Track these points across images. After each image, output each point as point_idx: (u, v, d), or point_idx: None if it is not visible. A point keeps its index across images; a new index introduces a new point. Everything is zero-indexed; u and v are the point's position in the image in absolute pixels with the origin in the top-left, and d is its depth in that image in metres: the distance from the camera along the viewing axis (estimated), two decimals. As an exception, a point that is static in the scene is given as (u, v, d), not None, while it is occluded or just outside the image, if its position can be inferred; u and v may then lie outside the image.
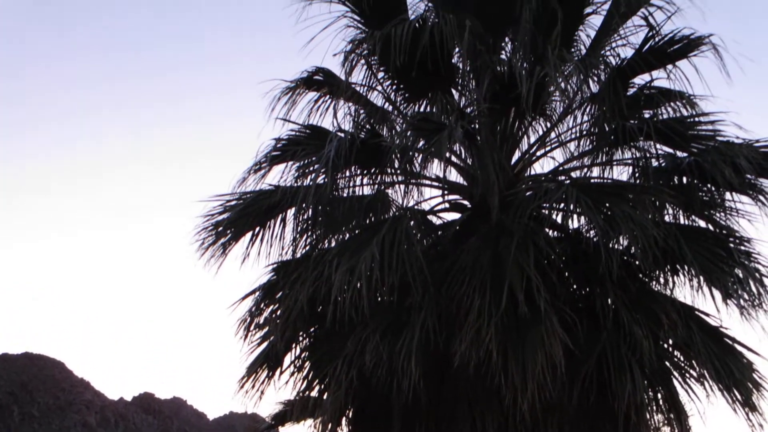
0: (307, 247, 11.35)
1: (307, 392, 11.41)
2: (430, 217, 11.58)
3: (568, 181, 10.94)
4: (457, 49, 11.05)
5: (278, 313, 11.09)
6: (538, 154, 11.65)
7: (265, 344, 11.51)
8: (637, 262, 10.35)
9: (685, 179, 10.83)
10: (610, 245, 10.04)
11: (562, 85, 10.72)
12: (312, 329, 11.38)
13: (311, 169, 10.95)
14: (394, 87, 11.77)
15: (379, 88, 11.78)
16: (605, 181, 11.21)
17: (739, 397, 10.18)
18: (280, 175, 11.25)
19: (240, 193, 11.57)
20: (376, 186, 11.45)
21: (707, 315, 10.67)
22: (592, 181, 11.23)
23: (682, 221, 10.91)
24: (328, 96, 11.96)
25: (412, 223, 10.58)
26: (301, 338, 11.45)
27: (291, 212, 11.32)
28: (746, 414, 10.20)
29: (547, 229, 10.88)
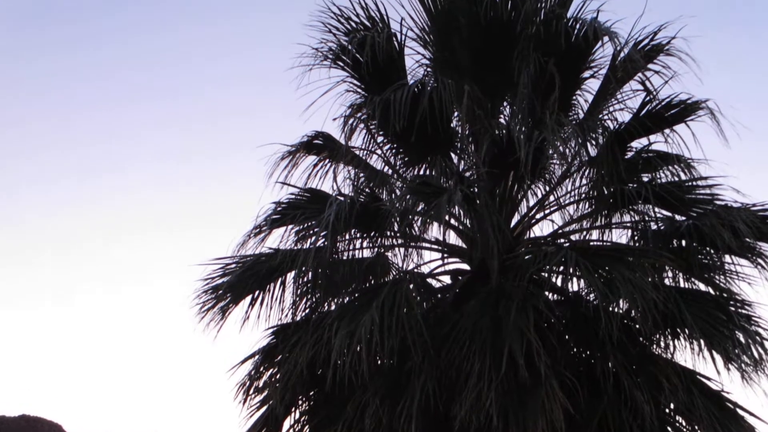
0: (307, 311, 11.36)
1: (307, 458, 11.36)
2: (429, 280, 11.58)
3: (567, 244, 10.98)
4: (455, 114, 11.16)
5: (278, 376, 11.04)
6: (537, 217, 11.70)
7: (264, 408, 11.41)
8: (637, 326, 10.34)
9: (684, 242, 10.85)
10: (610, 308, 10.06)
11: (561, 149, 10.79)
12: (311, 393, 11.32)
13: (311, 232, 10.99)
14: (394, 151, 11.85)
15: (379, 151, 11.87)
16: (604, 244, 11.25)
17: (741, 463, 10.13)
18: (280, 238, 11.27)
19: (240, 256, 11.59)
20: (376, 249, 11.47)
21: (708, 379, 10.64)
22: (591, 244, 11.27)
23: (681, 284, 10.94)
24: (327, 160, 12.05)
25: (411, 286, 10.59)
26: (300, 402, 11.39)
27: (291, 275, 11.33)
28: (748, 479, 10.15)
29: (546, 293, 10.92)
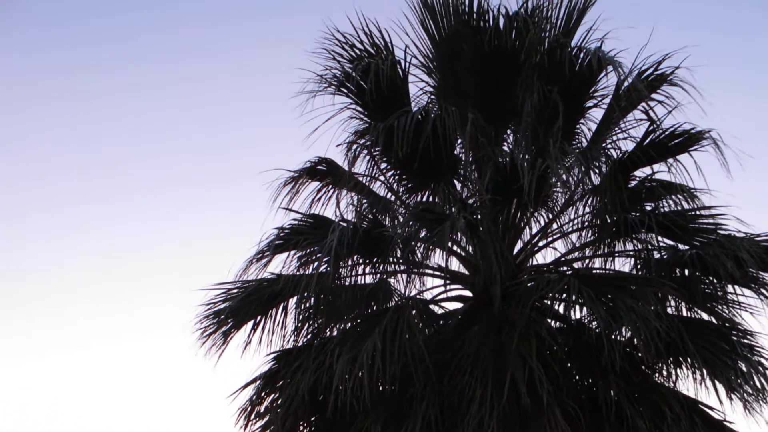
0: (309, 336, 11.35)
1: (308, 483, 11.32)
2: (432, 306, 11.58)
3: (570, 272, 11.01)
4: (459, 141, 11.18)
5: (279, 402, 11.03)
6: (540, 244, 11.71)
7: (265, 434, 11.43)
8: (639, 354, 10.30)
9: (687, 272, 10.84)
10: (613, 337, 10.03)
11: (564, 177, 10.84)
12: (313, 418, 11.29)
13: (314, 258, 11.00)
14: (397, 177, 11.86)
15: (382, 178, 11.87)
16: (607, 272, 11.25)
17: (743, 493, 10.10)
18: (283, 263, 11.30)
19: (242, 281, 11.61)
20: (378, 275, 11.48)
21: (711, 408, 10.62)
22: (594, 272, 11.27)
23: (684, 313, 10.93)
24: (331, 186, 12.07)
25: (414, 312, 10.57)
26: (302, 428, 11.33)
27: (293, 301, 11.33)
28: None
29: (549, 320, 10.91)
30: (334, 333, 11.14)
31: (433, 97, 11.99)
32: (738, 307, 10.86)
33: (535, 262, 11.75)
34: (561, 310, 11.07)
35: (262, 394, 11.37)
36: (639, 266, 11.13)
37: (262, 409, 11.35)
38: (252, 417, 11.32)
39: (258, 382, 11.45)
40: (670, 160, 10.96)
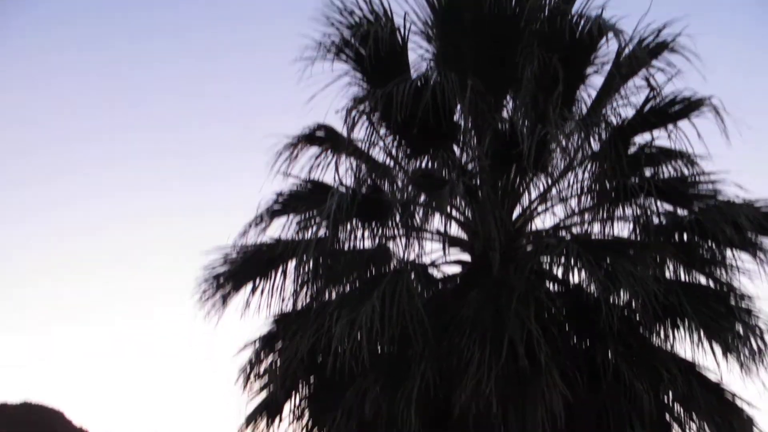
0: (308, 299, 11.34)
1: (307, 441, 11.39)
2: (431, 270, 11.60)
3: (569, 237, 11.04)
4: (458, 107, 11.20)
5: (278, 363, 11.09)
6: (539, 209, 11.72)
7: (264, 393, 11.46)
8: (637, 317, 10.39)
9: (685, 236, 10.91)
10: (611, 300, 10.07)
11: (563, 143, 10.87)
12: (312, 379, 11.36)
13: (312, 222, 11.02)
14: (396, 143, 11.85)
15: (381, 144, 11.86)
16: (606, 237, 11.27)
17: (739, 452, 10.15)
18: (281, 228, 11.29)
19: (241, 245, 11.63)
20: (377, 239, 11.49)
21: (707, 370, 10.70)
22: (593, 237, 11.31)
23: (682, 277, 10.97)
24: (329, 151, 12.06)
25: (412, 276, 10.59)
26: (300, 388, 11.43)
27: (292, 265, 11.33)
28: (746, 468, 10.17)
29: (547, 284, 10.96)
30: (333, 296, 11.16)
31: (432, 63, 11.98)
32: (736, 271, 10.87)
33: (534, 227, 11.77)
34: (560, 274, 11.07)
35: (261, 355, 11.43)
36: (638, 231, 11.13)
37: (261, 371, 11.41)
38: (251, 378, 11.39)
39: (257, 344, 11.51)
40: (670, 127, 11.00)
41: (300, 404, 11.42)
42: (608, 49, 11.45)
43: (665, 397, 10.53)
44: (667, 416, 10.59)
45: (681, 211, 11.05)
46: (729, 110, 10.68)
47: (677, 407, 10.64)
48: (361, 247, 11.37)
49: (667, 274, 10.80)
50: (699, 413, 10.16)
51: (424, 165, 11.64)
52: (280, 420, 11.43)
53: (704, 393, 10.16)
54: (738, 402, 10.56)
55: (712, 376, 10.62)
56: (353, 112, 11.46)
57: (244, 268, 11.51)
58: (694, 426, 10.41)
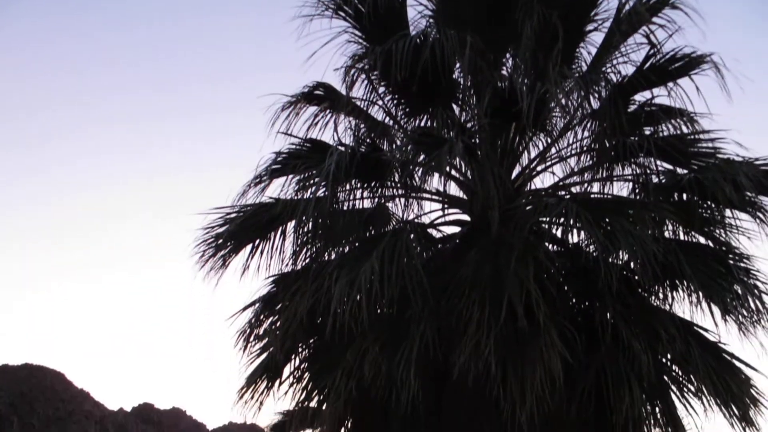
0: (307, 260, 11.35)
1: (306, 403, 11.43)
2: (430, 230, 11.62)
3: (568, 196, 11.01)
4: (457, 65, 11.12)
5: (278, 324, 11.12)
6: (539, 169, 11.71)
7: (264, 355, 11.53)
8: (636, 278, 10.40)
9: (685, 196, 10.85)
10: (610, 260, 10.08)
11: (563, 101, 10.80)
12: (311, 340, 11.42)
13: (311, 182, 10.98)
14: (395, 102, 11.84)
15: (380, 102, 11.86)
16: (605, 196, 11.24)
17: (736, 412, 10.21)
18: (281, 188, 11.26)
19: (240, 206, 11.58)
20: (377, 199, 11.48)
21: (706, 330, 10.73)
22: (592, 196, 11.29)
23: (681, 237, 10.95)
24: (328, 110, 12.00)
25: (412, 236, 10.60)
26: (300, 349, 11.49)
27: (291, 225, 11.32)
28: (743, 429, 10.24)
29: (546, 244, 10.93)
30: (332, 256, 11.16)
31: (431, 20, 11.87)
32: (735, 231, 10.85)
33: (533, 187, 11.78)
34: (559, 233, 11.08)
35: (261, 316, 11.46)
36: (637, 190, 11.10)
37: (261, 332, 11.46)
38: (251, 339, 11.43)
39: (257, 305, 11.54)
40: (670, 84, 10.89)
41: (300, 366, 11.49)
42: (608, 5, 11.44)
43: (663, 357, 10.60)
44: (665, 377, 10.66)
45: (680, 171, 11.00)
46: (730, 67, 10.58)
47: (675, 367, 10.71)
48: (360, 207, 11.37)
49: (666, 234, 10.78)
50: (697, 374, 10.19)
51: (423, 124, 11.63)
52: (280, 382, 11.50)
53: (702, 353, 10.18)
54: (736, 362, 10.60)
55: (711, 337, 10.67)
56: (352, 71, 11.43)
57: (243, 229, 11.47)
58: (692, 386, 10.49)
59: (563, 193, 11.45)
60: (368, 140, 11.55)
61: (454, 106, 11.57)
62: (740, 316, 10.15)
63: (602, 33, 11.62)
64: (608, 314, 10.23)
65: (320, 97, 11.97)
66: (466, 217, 11.64)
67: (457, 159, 11.10)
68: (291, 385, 11.48)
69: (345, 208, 11.24)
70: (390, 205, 11.53)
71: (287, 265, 11.46)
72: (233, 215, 11.62)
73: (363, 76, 11.56)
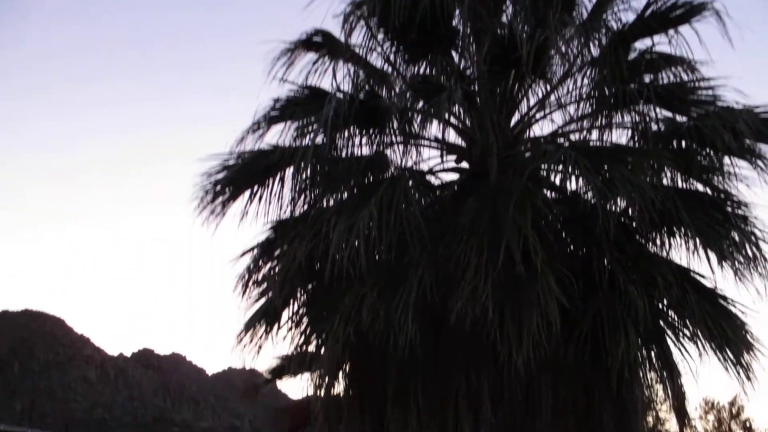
0: (306, 206, 11.37)
1: (304, 347, 11.52)
2: (428, 177, 11.62)
3: (567, 144, 10.99)
4: (457, 11, 11.08)
5: (276, 270, 11.17)
6: (538, 116, 11.70)
7: (263, 300, 11.57)
8: (634, 224, 10.44)
9: (684, 143, 10.85)
10: (608, 207, 10.11)
11: (563, 48, 10.77)
12: (310, 286, 11.46)
13: (310, 129, 10.98)
14: (394, 48, 11.78)
15: (379, 49, 11.81)
16: (604, 144, 11.25)
17: (731, 356, 10.29)
18: (279, 134, 11.28)
19: (239, 152, 11.56)
20: (375, 146, 11.46)
21: (702, 277, 10.77)
22: (591, 143, 11.29)
23: (680, 185, 10.96)
24: (327, 57, 11.95)
25: (410, 183, 10.64)
26: (299, 294, 11.52)
27: (289, 171, 11.30)
28: (738, 373, 10.32)
29: (545, 190, 10.95)
30: (331, 203, 11.15)
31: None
32: (734, 178, 10.83)
33: (532, 134, 11.78)
34: (557, 180, 11.13)
35: (260, 262, 11.51)
36: (636, 138, 11.12)
37: (259, 277, 11.50)
38: (250, 285, 11.48)
39: (255, 251, 11.58)
40: (671, 32, 10.90)
41: (298, 310, 11.54)
42: (610, -50, 11.25)
43: (660, 303, 10.66)
44: (661, 322, 10.73)
45: (680, 118, 10.99)
46: (731, 15, 10.53)
47: (671, 313, 10.78)
48: (359, 154, 11.36)
49: (665, 182, 10.77)
50: (693, 319, 10.26)
51: (422, 71, 11.58)
52: (279, 326, 11.55)
53: (698, 299, 10.24)
54: (731, 308, 10.66)
55: (707, 283, 10.71)
56: (351, 17, 11.37)
57: (242, 175, 11.46)
58: (687, 331, 10.54)
59: (562, 140, 11.44)
60: (367, 87, 11.53)
61: (454, 53, 11.53)
62: (737, 263, 10.19)
63: (604, -21, 11.52)
64: (605, 260, 10.26)
65: (318, 44, 11.93)
66: (464, 164, 11.64)
67: (456, 106, 11.11)
68: (289, 329, 11.55)
69: (343, 154, 11.22)
70: (388, 152, 11.51)
71: (285, 211, 11.45)
72: (232, 162, 11.61)
73: (362, 22, 11.52)
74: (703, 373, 10.45)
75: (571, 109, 11.58)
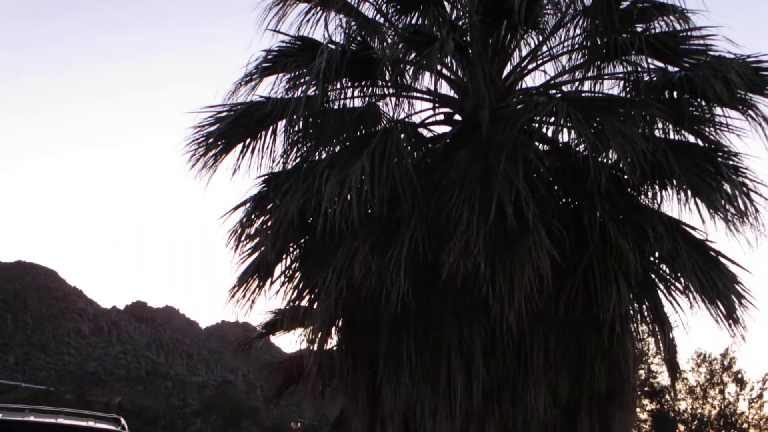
0: (298, 159, 11.31)
1: (297, 302, 11.57)
2: (420, 130, 11.56)
3: (558, 95, 10.94)
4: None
5: (269, 224, 11.12)
6: (530, 67, 11.64)
7: (255, 255, 11.59)
8: (625, 176, 10.41)
9: (675, 94, 10.78)
10: (599, 159, 10.09)
11: (555, -2, 10.66)
12: (302, 240, 11.47)
13: (302, 80, 10.90)
14: (386, -1, 11.69)
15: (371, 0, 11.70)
16: (596, 95, 11.20)
17: (722, 309, 10.33)
18: (271, 86, 11.18)
19: (230, 104, 11.44)
20: (367, 98, 11.40)
21: (693, 229, 10.78)
22: (583, 95, 11.23)
23: (671, 136, 10.91)
24: (319, 8, 11.81)
25: (402, 135, 10.58)
26: (291, 249, 11.55)
27: (282, 124, 11.23)
28: (729, 326, 10.37)
29: (536, 143, 10.92)
30: (323, 156, 11.10)
31: None
32: (725, 129, 10.80)
33: (524, 86, 11.74)
34: (549, 133, 11.10)
35: (252, 216, 11.46)
36: (628, 89, 11.06)
37: (252, 231, 11.46)
38: (242, 239, 11.44)
39: (248, 205, 11.53)
40: (663, -21, 10.76)
41: (290, 265, 11.58)
42: None
43: (651, 255, 10.68)
44: (652, 275, 10.76)
45: (671, 68, 10.92)
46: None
47: (663, 266, 10.81)
48: (351, 106, 11.28)
49: (656, 133, 10.74)
50: (684, 271, 10.27)
51: (414, 21, 11.47)
52: (272, 281, 11.58)
53: (689, 251, 10.26)
54: (722, 260, 10.69)
55: (698, 235, 10.73)
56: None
57: (233, 128, 11.34)
58: (678, 284, 10.57)
59: (554, 91, 11.38)
60: (359, 38, 11.43)
61: (446, 4, 11.43)
62: (728, 215, 10.20)
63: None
64: (597, 213, 10.25)
65: (311, -8, 11.80)
66: (456, 117, 11.59)
67: (448, 57, 11.03)
68: (282, 284, 11.60)
69: (335, 107, 11.14)
70: (381, 104, 11.45)
71: (278, 164, 11.41)
72: (224, 114, 11.49)
73: (354, -29, 11.39)
74: (694, 326, 10.52)
75: (563, 60, 11.52)
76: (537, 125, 10.84)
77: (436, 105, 11.58)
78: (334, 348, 11.45)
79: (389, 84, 11.28)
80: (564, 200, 11.00)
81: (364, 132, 11.18)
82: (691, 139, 10.98)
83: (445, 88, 11.60)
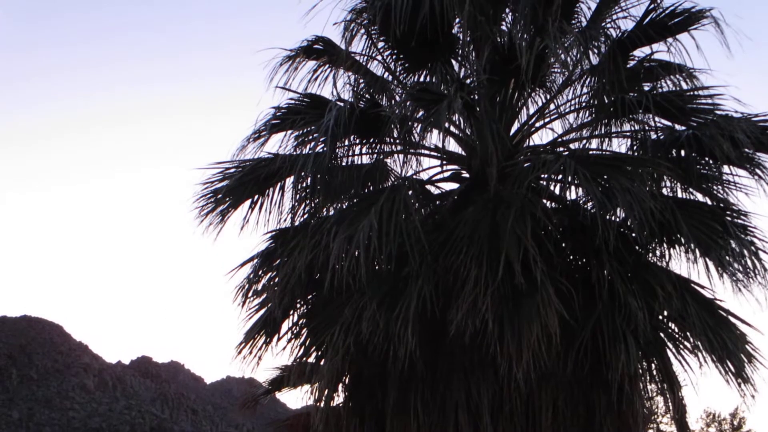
0: (306, 216, 11.39)
1: (304, 358, 11.53)
2: (428, 186, 11.61)
3: (566, 153, 10.98)
4: (457, 20, 11.09)
5: (276, 280, 11.16)
6: (537, 125, 11.69)
7: (263, 311, 11.58)
8: (633, 234, 10.41)
9: (683, 152, 10.82)
10: (607, 217, 10.11)
11: (562, 56, 10.73)
12: (310, 296, 11.47)
13: (310, 137, 10.98)
14: (394, 57, 11.82)
15: (379, 57, 11.84)
16: (603, 152, 11.23)
17: (731, 368, 10.25)
18: (280, 143, 11.26)
19: (239, 161, 11.55)
20: (375, 155, 11.48)
21: (702, 287, 10.75)
22: (591, 153, 11.25)
23: (679, 194, 10.93)
24: (327, 65, 11.96)
25: (410, 192, 10.63)
26: (298, 305, 11.55)
27: (290, 180, 11.33)
28: (738, 385, 10.30)
29: (544, 200, 10.92)
30: (331, 212, 11.18)
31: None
32: (733, 187, 10.84)
33: (531, 143, 11.78)
34: (557, 190, 11.13)
35: (260, 272, 11.50)
36: (635, 147, 11.10)
37: (259, 287, 11.50)
38: (249, 294, 11.49)
39: (255, 261, 11.57)
40: (670, 40, 10.84)
41: (298, 321, 11.57)
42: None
43: (660, 314, 10.64)
44: (661, 333, 10.72)
45: (679, 127, 10.98)
46: (730, 23, 10.52)
47: (671, 324, 10.76)
48: (359, 163, 11.37)
49: (664, 191, 10.77)
50: (693, 330, 10.22)
51: (422, 79, 11.59)
52: (278, 337, 11.58)
53: (698, 310, 10.22)
54: (732, 319, 10.64)
55: (707, 294, 10.70)
56: (352, 25, 11.36)
57: (241, 184, 11.45)
58: (687, 343, 10.53)
59: (562, 149, 11.43)
60: (367, 96, 11.51)
61: (454, 62, 11.54)
62: (736, 273, 10.17)
63: (603, -13, 11.52)
64: (605, 271, 10.24)
65: (319, 51, 11.94)
66: (464, 174, 11.63)
67: (456, 115, 11.11)
68: (289, 340, 11.58)
69: (344, 163, 11.20)
70: (389, 161, 11.54)
71: (286, 220, 11.48)
72: (232, 170, 11.60)
73: (362, 30, 11.52)
74: (703, 384, 10.45)
75: (571, 117, 11.57)
76: (545, 183, 10.88)
77: (444, 162, 11.64)
78: (341, 405, 11.38)
79: (397, 141, 11.35)
80: (572, 258, 10.99)
81: (372, 189, 11.25)
82: (699, 197, 10.99)
83: (453, 146, 11.68)
